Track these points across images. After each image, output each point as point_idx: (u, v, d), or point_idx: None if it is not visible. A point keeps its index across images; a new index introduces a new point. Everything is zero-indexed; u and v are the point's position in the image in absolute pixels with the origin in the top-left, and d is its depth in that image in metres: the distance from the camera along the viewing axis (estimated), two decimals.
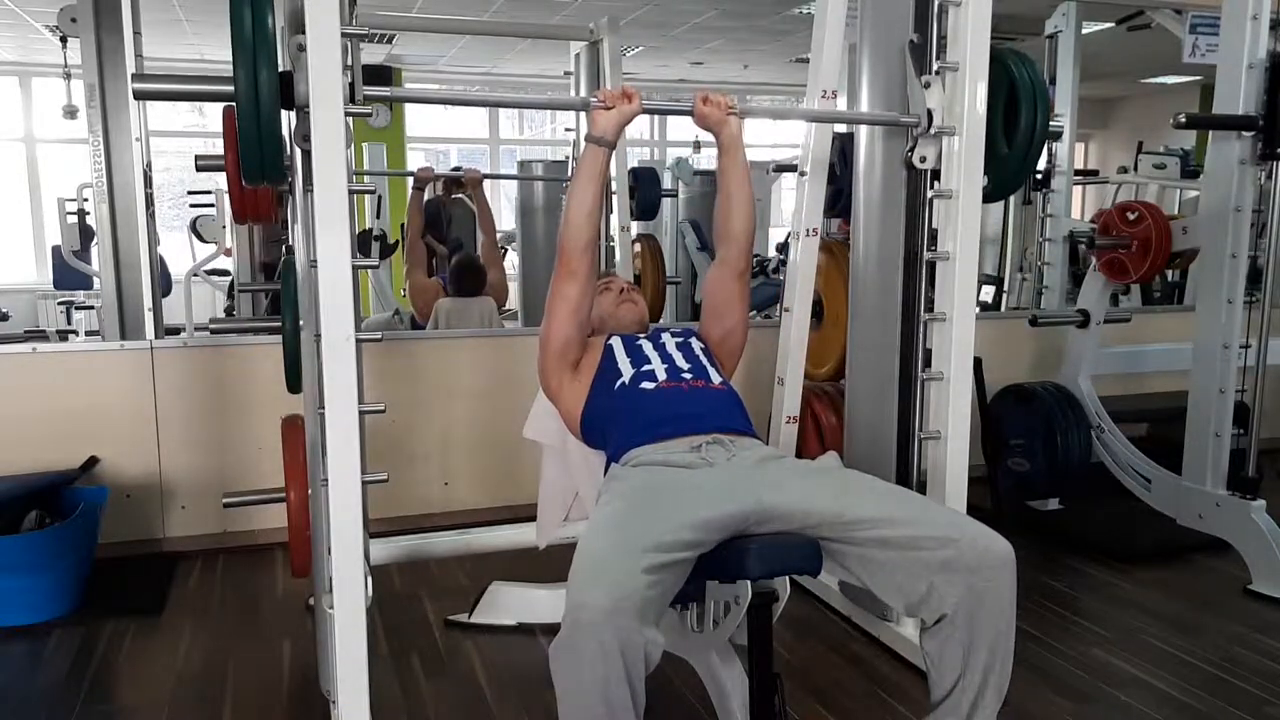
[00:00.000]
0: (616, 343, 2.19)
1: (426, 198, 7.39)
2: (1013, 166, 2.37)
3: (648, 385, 2.06)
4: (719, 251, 2.28)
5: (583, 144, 2.11)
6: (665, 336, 2.24)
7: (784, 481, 1.84)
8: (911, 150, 2.34)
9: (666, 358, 2.14)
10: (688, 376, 2.08)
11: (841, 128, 2.88)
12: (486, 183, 5.59)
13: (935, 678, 1.74)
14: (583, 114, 3.54)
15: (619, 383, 2.08)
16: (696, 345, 2.22)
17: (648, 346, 2.18)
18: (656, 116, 10.49)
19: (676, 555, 1.63)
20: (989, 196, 2.36)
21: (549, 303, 2.11)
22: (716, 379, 2.12)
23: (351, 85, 1.73)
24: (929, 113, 2.28)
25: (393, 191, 7.82)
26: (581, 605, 1.51)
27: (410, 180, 4.69)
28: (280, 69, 1.68)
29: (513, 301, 5.71)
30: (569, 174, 4.51)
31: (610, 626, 1.48)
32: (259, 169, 1.69)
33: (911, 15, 2.37)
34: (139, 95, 1.83)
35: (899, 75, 2.41)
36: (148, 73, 2.04)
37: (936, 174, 2.35)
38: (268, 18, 1.66)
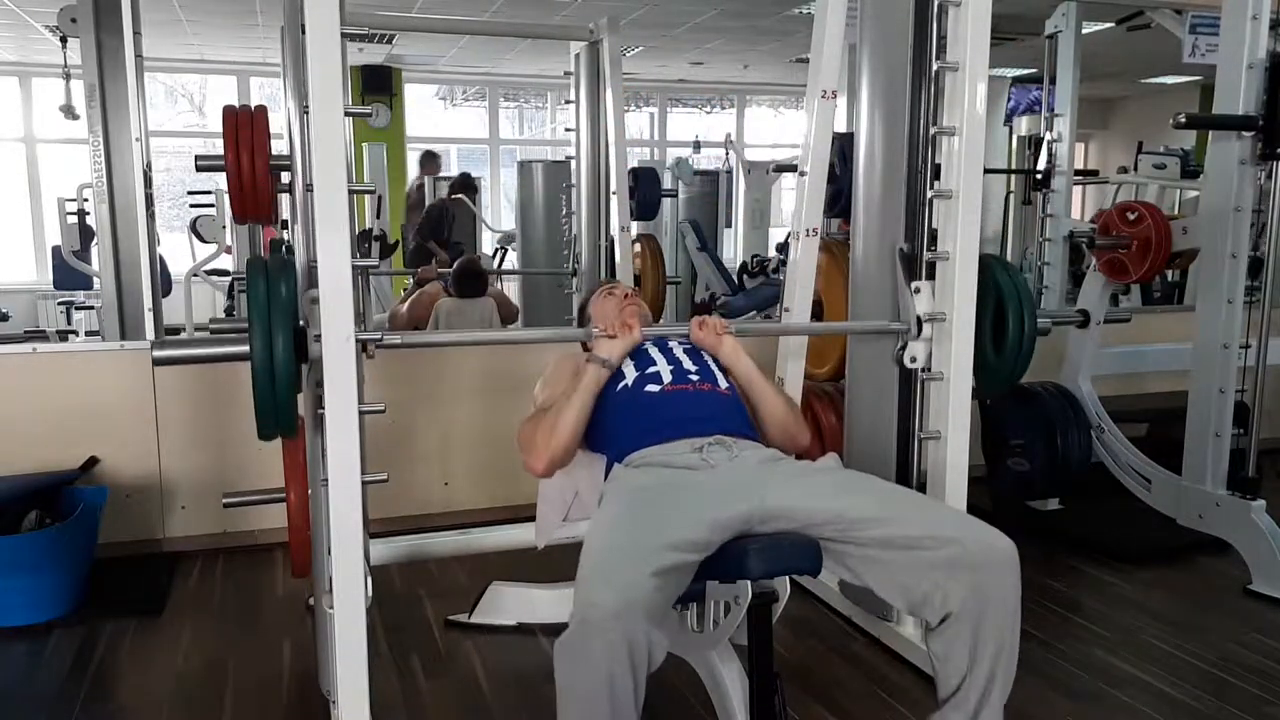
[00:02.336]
0: None
1: (430, 201, 7.44)
2: (1003, 374, 2.38)
3: (652, 388, 2.06)
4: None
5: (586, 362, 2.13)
6: (672, 342, 2.24)
7: (786, 482, 1.85)
8: (902, 350, 2.37)
9: (673, 360, 2.14)
10: (694, 379, 2.09)
11: (840, 127, 2.88)
12: (485, 182, 5.61)
13: (942, 676, 1.74)
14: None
15: (621, 384, 2.08)
16: (706, 352, 2.22)
17: (653, 350, 2.18)
18: (655, 116, 10.50)
19: (686, 556, 1.65)
20: (977, 394, 2.39)
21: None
22: (723, 384, 2.12)
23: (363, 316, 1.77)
24: (918, 319, 2.31)
25: (393, 192, 7.82)
26: (591, 604, 1.52)
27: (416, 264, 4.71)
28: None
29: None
30: (570, 177, 4.50)
31: (619, 626, 1.49)
32: (274, 425, 1.74)
33: (911, 18, 2.38)
34: (158, 363, 1.91)
35: (899, 75, 2.41)
36: (166, 339, 2.11)
37: (937, 173, 2.35)
38: (281, 287, 1.70)
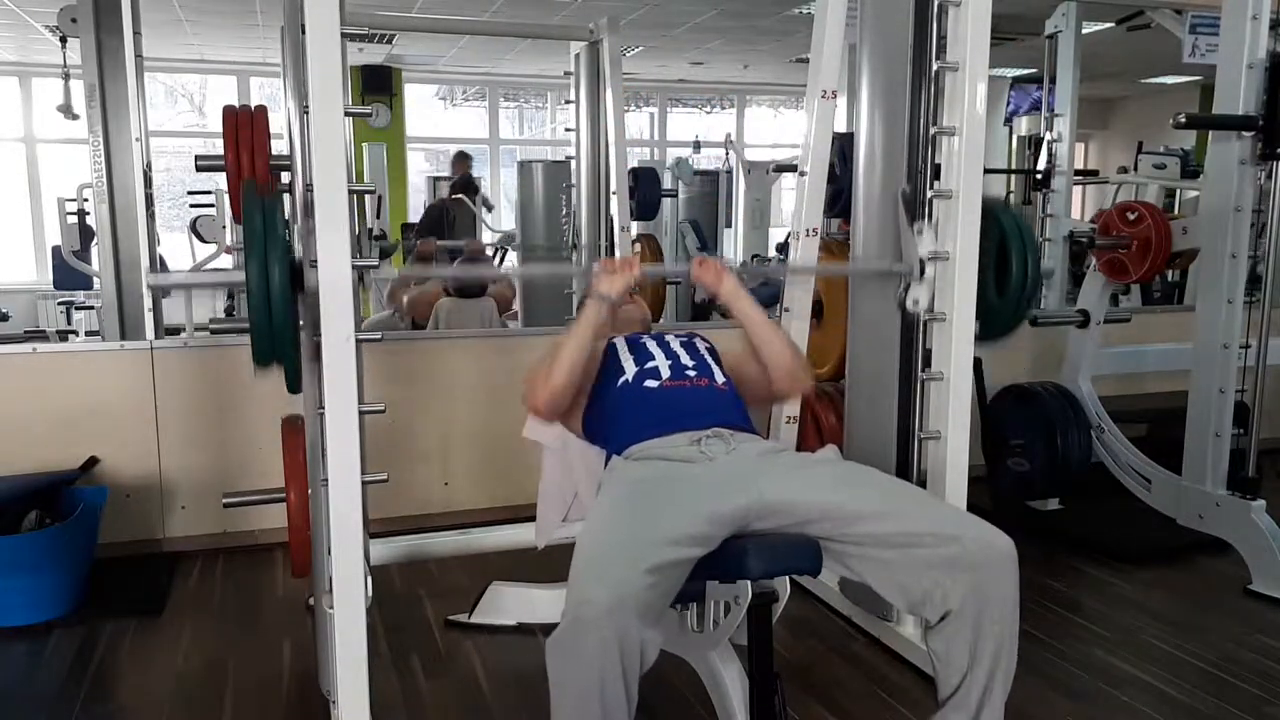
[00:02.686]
0: (620, 342, 2.20)
1: (430, 202, 7.44)
2: (1005, 317, 2.40)
3: (651, 384, 2.06)
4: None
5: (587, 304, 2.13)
6: (669, 336, 2.25)
7: (784, 474, 1.85)
8: (905, 291, 2.36)
9: (671, 355, 2.14)
10: (692, 374, 2.09)
11: (840, 128, 2.88)
12: (485, 182, 5.60)
13: (943, 675, 1.74)
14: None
15: (621, 380, 2.08)
16: (701, 345, 2.22)
17: (651, 344, 2.18)
18: (655, 116, 10.51)
19: (683, 551, 1.64)
20: (980, 339, 2.39)
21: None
22: (720, 379, 2.12)
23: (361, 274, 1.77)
24: (921, 262, 2.31)
25: (393, 191, 7.82)
26: (584, 601, 1.52)
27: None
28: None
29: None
30: (570, 177, 4.50)
31: (611, 624, 1.48)
32: (269, 353, 1.74)
33: (911, 18, 2.38)
34: (153, 288, 1.92)
35: (899, 75, 2.41)
36: (161, 274, 2.14)
37: (937, 173, 2.35)
38: (277, 217, 1.71)
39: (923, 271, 2.31)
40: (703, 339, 2.26)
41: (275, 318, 1.69)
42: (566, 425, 2.21)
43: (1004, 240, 2.32)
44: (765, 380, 2.20)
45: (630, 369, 2.10)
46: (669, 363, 2.11)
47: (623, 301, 2.16)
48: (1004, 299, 2.34)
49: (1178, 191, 6.28)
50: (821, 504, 1.77)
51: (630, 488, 1.85)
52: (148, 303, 3.43)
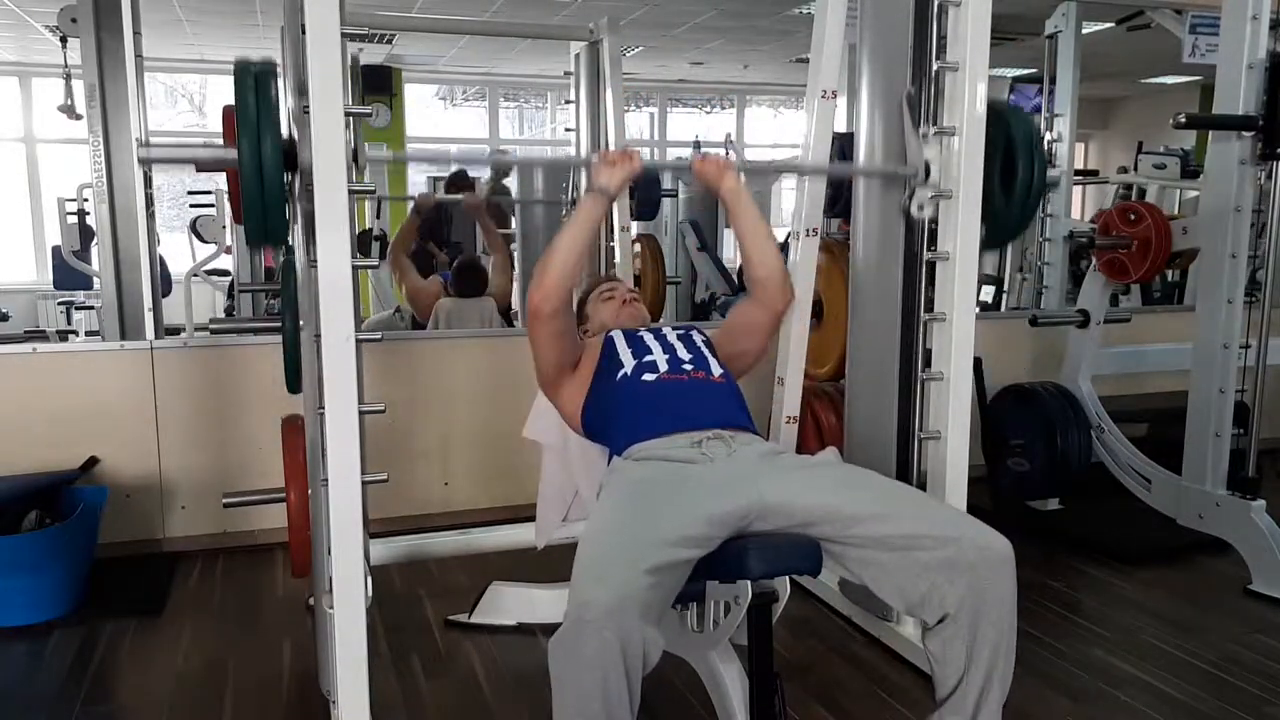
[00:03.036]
0: (618, 335, 2.20)
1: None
2: (1011, 222, 2.38)
3: (649, 377, 2.06)
4: (752, 291, 2.26)
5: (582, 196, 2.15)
6: (666, 330, 2.25)
7: (784, 476, 1.85)
8: (909, 199, 2.35)
9: (668, 348, 2.14)
10: (688, 368, 2.09)
11: (841, 127, 2.88)
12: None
13: (940, 676, 1.74)
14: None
15: (621, 374, 2.08)
16: (698, 337, 2.23)
17: (648, 338, 2.19)
18: (655, 116, 10.50)
19: (682, 552, 1.65)
20: (985, 245, 2.38)
21: (531, 337, 2.10)
22: (717, 371, 2.12)
23: (355, 152, 1.75)
24: (926, 165, 2.30)
25: (393, 191, 7.81)
26: (585, 603, 1.52)
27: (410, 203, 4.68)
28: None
29: (513, 302, 5.71)
30: (570, 176, 4.51)
31: (613, 624, 1.48)
32: (262, 232, 1.73)
33: (911, 18, 2.38)
34: (144, 161, 1.89)
35: (899, 75, 2.41)
36: (152, 143, 2.09)
37: None
38: (270, 88, 1.69)
39: (928, 174, 2.30)
40: (699, 332, 2.26)
41: (268, 195, 1.67)
42: (566, 421, 2.21)
43: (1010, 142, 2.31)
44: (755, 326, 2.22)
45: (629, 363, 2.10)
46: (666, 356, 2.11)
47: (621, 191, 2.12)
48: (1010, 201, 2.32)
49: (1178, 191, 6.28)
50: (821, 506, 1.77)
51: (631, 488, 1.85)
52: (148, 303, 3.44)
